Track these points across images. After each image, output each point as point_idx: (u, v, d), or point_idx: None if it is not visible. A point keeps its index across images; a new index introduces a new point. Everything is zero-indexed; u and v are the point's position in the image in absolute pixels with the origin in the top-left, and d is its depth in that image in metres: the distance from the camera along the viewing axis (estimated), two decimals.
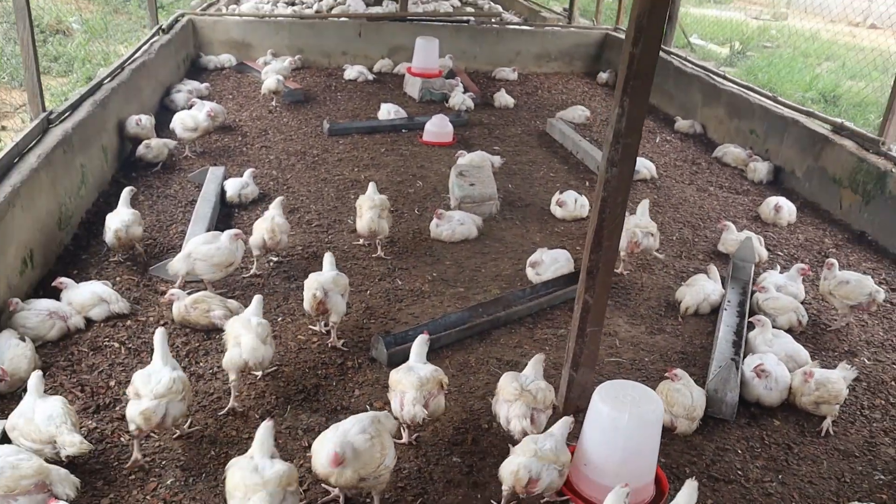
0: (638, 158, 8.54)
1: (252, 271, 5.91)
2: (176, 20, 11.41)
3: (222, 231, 5.66)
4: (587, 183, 8.22)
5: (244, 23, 12.30)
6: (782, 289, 5.93)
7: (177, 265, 5.40)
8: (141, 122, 7.85)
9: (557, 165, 8.73)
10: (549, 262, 6.00)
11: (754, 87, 9.82)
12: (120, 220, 5.72)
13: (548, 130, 9.86)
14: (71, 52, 11.21)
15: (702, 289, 5.81)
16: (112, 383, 4.53)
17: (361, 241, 6.47)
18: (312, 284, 4.92)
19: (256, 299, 4.72)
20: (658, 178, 8.47)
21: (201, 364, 4.78)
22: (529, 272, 6.03)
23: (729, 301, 5.84)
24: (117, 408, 4.33)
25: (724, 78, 10.26)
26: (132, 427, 3.85)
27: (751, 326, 5.39)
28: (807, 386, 4.69)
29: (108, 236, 5.75)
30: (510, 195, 7.73)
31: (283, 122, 9.47)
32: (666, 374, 4.59)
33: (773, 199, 7.63)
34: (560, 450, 3.72)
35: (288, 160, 8.22)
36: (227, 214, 6.88)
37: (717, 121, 10.05)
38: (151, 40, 9.95)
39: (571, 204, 7.22)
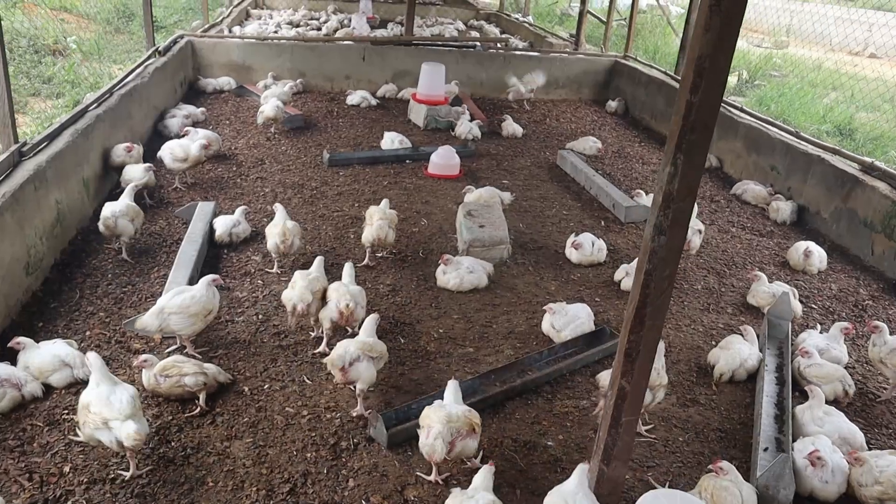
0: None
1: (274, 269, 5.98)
2: (174, 42, 10.70)
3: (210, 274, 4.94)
4: (602, 222, 7.47)
5: (245, 45, 11.58)
6: (824, 353, 5.18)
7: (147, 321, 4.63)
8: (130, 150, 7.09)
9: (570, 202, 7.98)
10: (569, 319, 5.24)
11: (774, 121, 9.10)
12: (111, 209, 5.83)
13: (558, 163, 9.12)
14: (58, 75, 10.46)
15: (737, 353, 5.04)
16: (67, 469, 3.75)
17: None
18: (342, 295, 4.85)
19: (347, 266, 5.19)
20: None
21: (172, 444, 4.00)
22: (546, 321, 5.29)
23: (766, 366, 5.09)
24: (69, 502, 3.56)
25: (741, 110, 9.53)
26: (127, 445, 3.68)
27: (801, 395, 4.65)
28: (867, 476, 3.94)
29: (99, 223, 5.85)
30: (522, 236, 6.97)
31: (280, 151, 8.73)
32: (710, 468, 3.82)
33: (803, 245, 6.89)
34: None
35: (284, 193, 7.46)
36: (215, 256, 6.12)
37: (735, 155, 9.32)
38: (146, 63, 9.22)
39: (588, 247, 6.46)
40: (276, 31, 15.22)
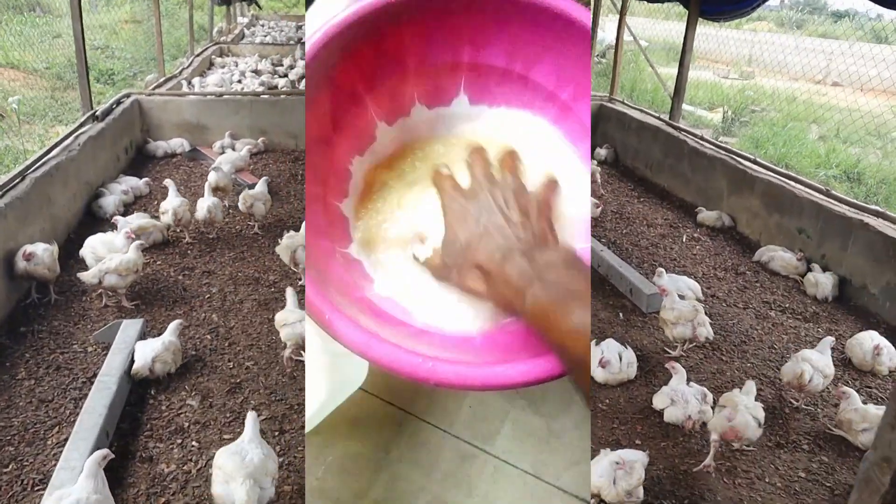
0: (679, 277, 6.23)
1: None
2: (118, 102, 9.00)
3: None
4: (620, 314, 5.85)
5: (199, 102, 9.89)
6: None
7: None
8: (35, 256, 5.28)
9: None
10: (622, 473, 3.56)
11: (799, 177, 7.53)
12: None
13: None
14: None
15: None
16: None
17: None
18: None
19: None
20: (704, 300, 6.12)
21: None
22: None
23: None
24: None
25: (755, 162, 8.01)
26: None
27: None
28: None
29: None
30: None
31: (235, 231, 7.03)
32: None
33: (868, 337, 5.32)
34: None
35: (235, 294, 5.75)
36: (139, 401, 4.38)
37: (751, 213, 7.78)
38: (77, 132, 7.49)
39: (616, 363, 4.82)
40: (239, 81, 13.56)
